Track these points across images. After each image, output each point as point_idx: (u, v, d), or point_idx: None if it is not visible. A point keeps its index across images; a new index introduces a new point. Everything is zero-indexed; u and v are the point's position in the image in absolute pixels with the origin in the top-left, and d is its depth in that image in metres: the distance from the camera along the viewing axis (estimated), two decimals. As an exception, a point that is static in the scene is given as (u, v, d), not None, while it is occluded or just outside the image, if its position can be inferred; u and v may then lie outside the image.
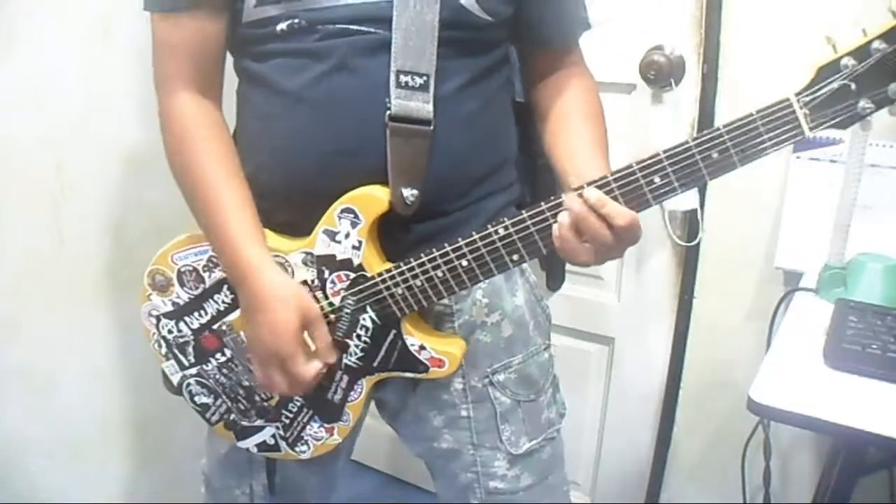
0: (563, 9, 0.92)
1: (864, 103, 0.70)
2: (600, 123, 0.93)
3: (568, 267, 1.12)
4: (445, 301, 0.91)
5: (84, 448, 1.38)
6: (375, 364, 0.90)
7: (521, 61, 0.97)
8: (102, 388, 1.39)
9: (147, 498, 1.50)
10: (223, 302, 0.93)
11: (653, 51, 1.34)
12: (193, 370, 0.98)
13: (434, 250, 0.83)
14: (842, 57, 0.70)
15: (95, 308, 1.34)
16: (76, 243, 1.28)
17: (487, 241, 0.81)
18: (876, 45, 0.68)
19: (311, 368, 0.85)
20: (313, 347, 0.86)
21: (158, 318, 0.97)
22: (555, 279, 1.12)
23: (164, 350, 0.99)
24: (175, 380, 1.00)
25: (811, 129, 0.72)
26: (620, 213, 0.76)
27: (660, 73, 1.33)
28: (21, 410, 1.26)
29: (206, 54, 0.88)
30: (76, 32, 1.21)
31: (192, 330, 0.96)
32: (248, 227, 0.86)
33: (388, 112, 0.81)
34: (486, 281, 0.91)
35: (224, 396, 0.98)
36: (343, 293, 0.87)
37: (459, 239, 0.82)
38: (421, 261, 0.84)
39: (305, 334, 0.85)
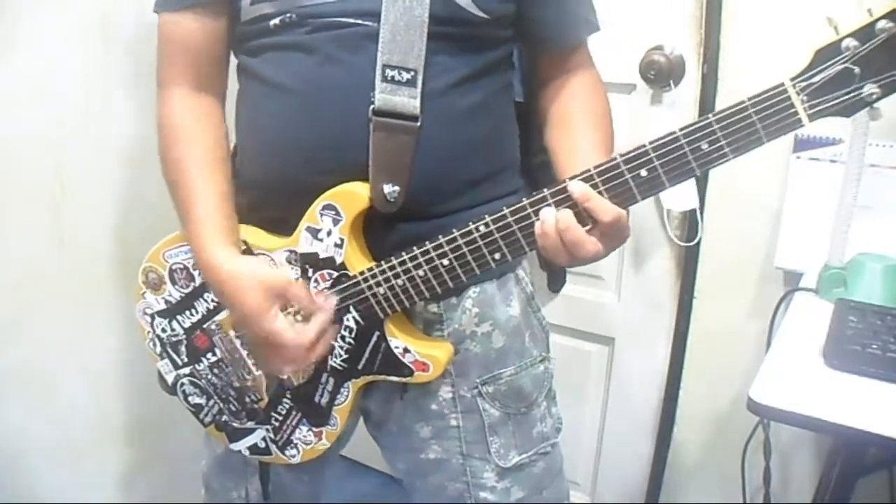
0: (566, 10, 0.90)
1: (870, 88, 0.64)
2: (605, 127, 0.91)
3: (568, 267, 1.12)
4: (434, 308, 0.90)
5: (84, 448, 1.38)
6: (360, 366, 0.90)
7: (526, 62, 0.97)
8: (102, 388, 1.39)
9: (146, 498, 1.50)
10: (212, 300, 0.93)
11: (653, 51, 1.34)
12: (186, 370, 0.98)
13: (415, 249, 0.82)
14: (843, 39, 0.64)
15: (95, 308, 1.34)
16: (76, 243, 1.28)
17: (468, 238, 0.79)
18: (881, 24, 0.63)
19: (307, 332, 0.83)
20: (298, 315, 0.85)
21: (152, 317, 0.97)
22: (556, 280, 1.11)
23: (158, 349, 0.99)
24: (169, 379, 1.00)
25: (811, 117, 0.66)
26: (605, 208, 0.73)
27: (660, 73, 1.33)
28: (21, 410, 1.26)
29: (206, 52, 0.90)
30: (76, 32, 1.21)
31: (184, 329, 0.96)
32: (214, 221, 0.86)
33: (372, 106, 0.80)
34: (478, 289, 0.91)
35: (216, 397, 0.98)
36: (326, 292, 0.87)
37: (440, 237, 0.80)
38: (402, 259, 0.83)
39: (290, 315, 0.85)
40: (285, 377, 0.93)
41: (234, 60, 0.93)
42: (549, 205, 0.76)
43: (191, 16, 0.87)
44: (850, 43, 0.64)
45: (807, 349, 0.97)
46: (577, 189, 0.74)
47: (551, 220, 0.75)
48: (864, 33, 0.64)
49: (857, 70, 0.64)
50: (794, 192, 1.27)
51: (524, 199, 0.77)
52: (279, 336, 0.83)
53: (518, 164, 0.95)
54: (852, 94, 0.65)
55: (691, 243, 1.42)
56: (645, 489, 1.64)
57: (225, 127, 0.93)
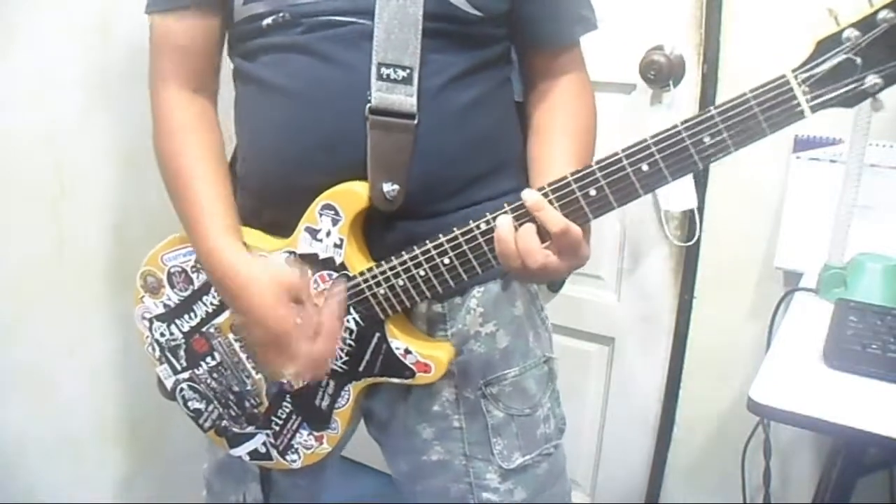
0: (559, 8, 0.89)
1: (872, 79, 0.63)
2: (584, 138, 0.89)
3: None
4: (438, 308, 0.90)
5: (83, 448, 1.37)
6: (361, 368, 0.89)
7: (518, 61, 0.96)
8: (102, 388, 1.39)
9: (145, 498, 1.50)
10: (211, 304, 0.93)
11: (653, 51, 1.34)
12: (186, 374, 0.98)
13: (416, 248, 0.81)
14: (844, 29, 0.63)
15: (95, 308, 1.34)
16: (76, 243, 1.28)
17: (469, 236, 0.78)
18: (883, 14, 0.62)
19: (317, 344, 0.82)
20: (301, 321, 0.83)
21: (151, 321, 0.97)
22: (555, 280, 1.11)
23: (157, 353, 0.98)
24: (169, 384, 0.99)
25: (813, 108, 0.66)
26: (554, 220, 0.72)
27: (660, 73, 1.33)
28: (21, 410, 1.25)
29: (199, 52, 0.89)
30: (75, 32, 1.21)
31: (182, 333, 0.95)
32: (220, 219, 0.85)
33: (368, 105, 0.80)
34: (482, 288, 0.90)
35: (215, 402, 0.98)
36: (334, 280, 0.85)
37: (441, 235, 0.80)
38: (402, 259, 0.82)
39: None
40: (288, 380, 0.91)
41: (229, 65, 0.93)
42: (506, 213, 0.75)
43: (181, 16, 0.86)
44: (852, 33, 0.63)
45: (807, 349, 0.97)
46: (531, 198, 0.73)
47: (506, 226, 0.74)
48: (866, 24, 0.63)
49: (858, 60, 0.64)
50: (794, 192, 1.27)
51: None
52: (289, 338, 0.81)
53: (521, 161, 0.95)
54: (854, 85, 0.65)
55: (689, 243, 1.42)
56: (645, 489, 1.65)
57: (219, 130, 0.92)
